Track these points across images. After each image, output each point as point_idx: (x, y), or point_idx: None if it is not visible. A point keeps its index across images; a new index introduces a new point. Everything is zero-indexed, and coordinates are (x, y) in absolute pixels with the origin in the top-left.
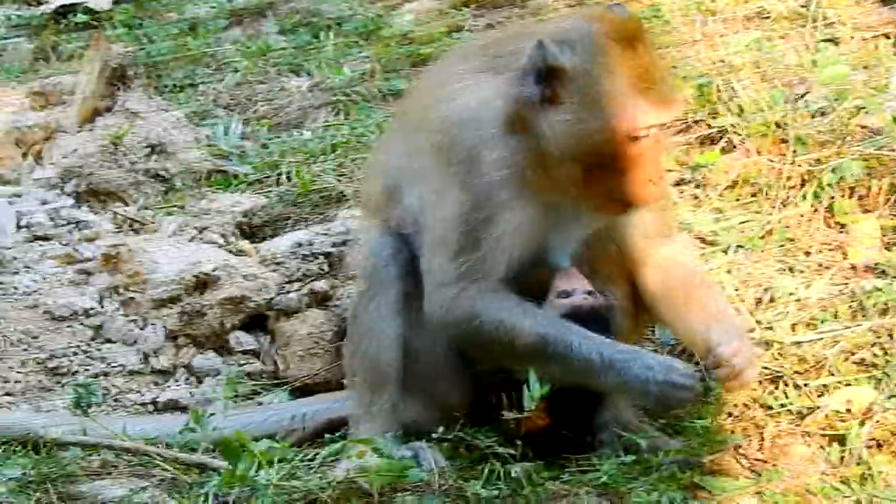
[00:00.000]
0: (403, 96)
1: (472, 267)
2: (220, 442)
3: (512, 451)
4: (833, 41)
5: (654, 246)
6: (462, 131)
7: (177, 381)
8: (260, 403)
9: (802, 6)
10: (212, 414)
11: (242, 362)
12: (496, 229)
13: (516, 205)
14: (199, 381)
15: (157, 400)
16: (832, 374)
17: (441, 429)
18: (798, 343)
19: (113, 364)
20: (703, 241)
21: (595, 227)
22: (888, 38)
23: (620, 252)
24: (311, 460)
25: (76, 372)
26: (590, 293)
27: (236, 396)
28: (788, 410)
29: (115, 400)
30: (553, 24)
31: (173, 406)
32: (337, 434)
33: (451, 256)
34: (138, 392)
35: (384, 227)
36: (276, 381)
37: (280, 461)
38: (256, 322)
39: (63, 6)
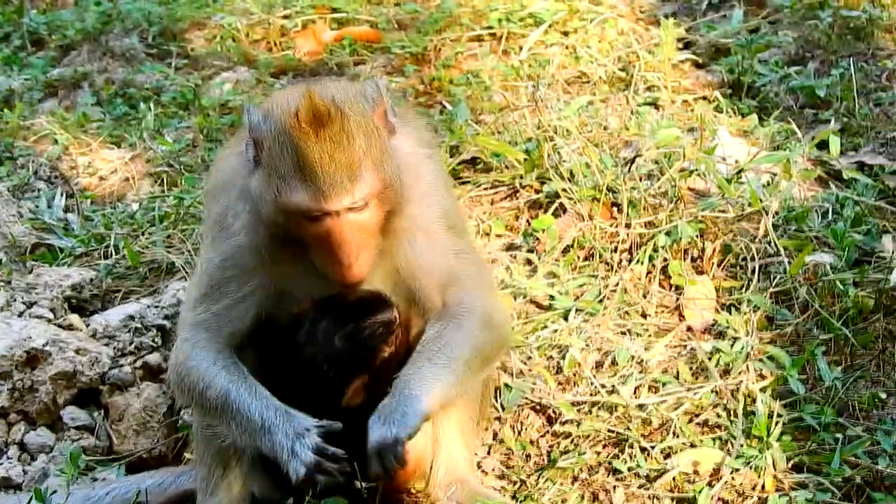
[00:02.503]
0: None
1: (204, 320)
2: None
3: None
4: (654, 104)
5: (443, 295)
6: (213, 198)
7: (9, 458)
8: (94, 479)
9: (622, 69)
10: (53, 492)
11: (76, 438)
12: (237, 290)
13: (263, 268)
14: (33, 459)
15: None
16: (677, 437)
17: (290, 501)
18: (642, 406)
19: None
20: (539, 305)
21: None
22: (707, 100)
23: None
24: None
25: None
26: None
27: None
28: (636, 474)
29: None
30: (287, 92)
31: (6, 484)
32: None
33: (190, 307)
34: None
35: None
36: (110, 457)
37: None
38: (89, 397)
39: None
